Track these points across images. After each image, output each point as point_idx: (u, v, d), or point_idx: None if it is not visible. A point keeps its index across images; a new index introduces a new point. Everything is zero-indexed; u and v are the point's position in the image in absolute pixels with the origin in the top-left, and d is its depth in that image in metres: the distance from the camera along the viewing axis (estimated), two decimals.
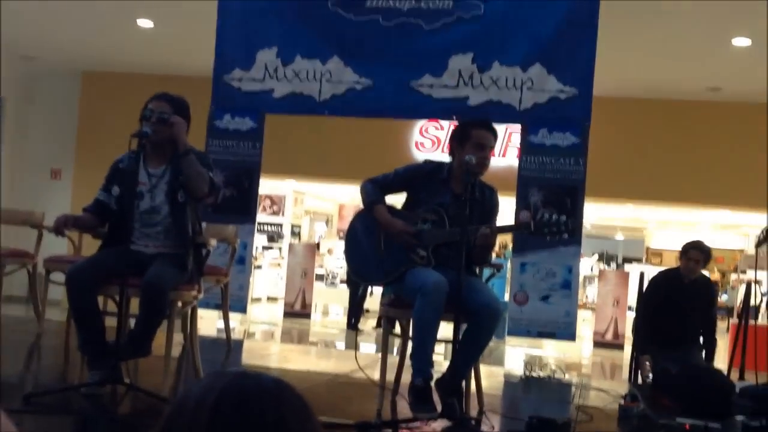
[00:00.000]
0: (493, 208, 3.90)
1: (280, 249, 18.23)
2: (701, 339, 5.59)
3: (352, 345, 12.05)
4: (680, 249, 5.64)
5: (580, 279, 16.31)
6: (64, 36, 10.01)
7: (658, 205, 12.71)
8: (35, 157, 12.26)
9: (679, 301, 5.45)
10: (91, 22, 9.25)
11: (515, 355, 11.18)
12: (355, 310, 14.47)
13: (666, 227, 21.00)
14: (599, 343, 12.32)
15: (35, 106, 12.38)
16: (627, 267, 17.64)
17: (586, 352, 12.60)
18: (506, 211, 5.82)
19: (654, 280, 5.71)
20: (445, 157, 3.97)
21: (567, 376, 5.38)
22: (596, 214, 17.50)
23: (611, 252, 22.71)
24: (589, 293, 16.83)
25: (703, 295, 5.62)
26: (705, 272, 5.87)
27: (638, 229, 21.15)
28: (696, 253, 5.52)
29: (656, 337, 5.30)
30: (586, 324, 14.13)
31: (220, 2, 5.75)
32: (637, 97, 10.58)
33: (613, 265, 21.35)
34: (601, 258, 21.47)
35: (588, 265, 18.93)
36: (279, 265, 17.69)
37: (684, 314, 5.43)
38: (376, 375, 3.94)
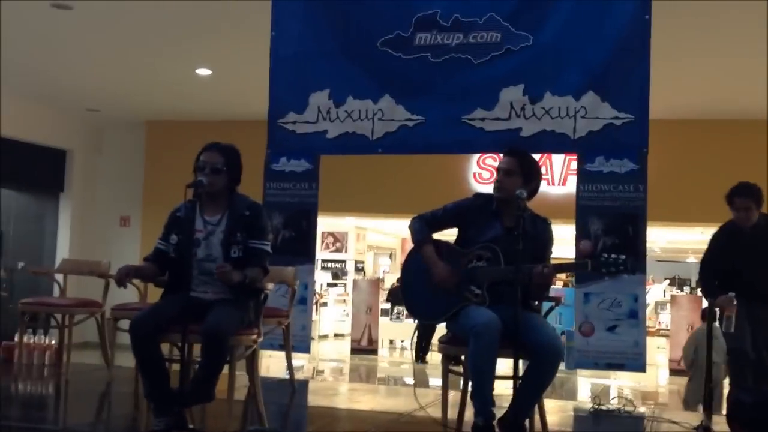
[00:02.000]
0: (547, 242, 3.82)
1: (344, 285, 18.32)
2: None
3: (420, 381, 11.96)
4: (725, 199, 5.04)
5: (652, 305, 15.92)
6: (127, 88, 10.35)
7: None
8: (105, 205, 12.68)
9: (741, 252, 4.97)
10: (151, 73, 9.56)
11: (586, 386, 10.94)
12: (422, 345, 14.41)
13: None
14: (675, 371, 11.97)
15: (103, 156, 12.82)
16: (700, 291, 17.11)
17: (662, 381, 12.26)
18: (567, 240, 5.73)
19: (714, 236, 5.26)
20: None
21: (639, 408, 5.22)
22: (665, 237, 17.09)
23: (683, 276, 22.08)
24: (663, 319, 16.38)
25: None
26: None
27: None
28: (742, 200, 4.96)
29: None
30: (660, 351, 13.75)
31: (273, 48, 5.86)
32: (697, 119, 10.37)
33: (686, 289, 20.75)
34: (672, 282, 20.90)
35: (659, 290, 18.44)
36: (344, 301, 17.76)
37: (752, 264, 4.96)
38: (439, 412, 3.89)
